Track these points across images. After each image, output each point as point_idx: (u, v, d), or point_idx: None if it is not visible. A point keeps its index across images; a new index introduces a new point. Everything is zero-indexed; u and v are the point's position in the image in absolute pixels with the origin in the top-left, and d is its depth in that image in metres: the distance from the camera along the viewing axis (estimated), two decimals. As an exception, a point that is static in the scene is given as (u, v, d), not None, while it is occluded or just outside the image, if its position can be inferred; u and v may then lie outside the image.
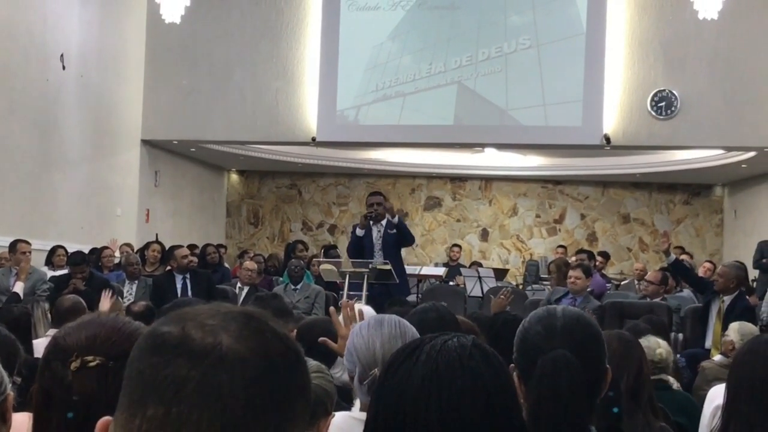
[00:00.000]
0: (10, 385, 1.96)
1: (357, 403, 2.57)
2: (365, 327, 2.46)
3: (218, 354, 0.91)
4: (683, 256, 11.91)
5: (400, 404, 1.37)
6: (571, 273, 8.46)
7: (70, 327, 1.59)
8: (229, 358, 0.91)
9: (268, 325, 0.97)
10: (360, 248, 8.31)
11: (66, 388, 1.49)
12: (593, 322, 2.03)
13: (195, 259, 10.24)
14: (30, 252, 9.00)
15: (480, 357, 1.41)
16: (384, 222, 8.40)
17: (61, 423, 1.49)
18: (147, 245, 10.78)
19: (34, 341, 4.67)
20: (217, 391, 0.89)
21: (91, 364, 1.50)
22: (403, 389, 1.38)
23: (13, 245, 8.93)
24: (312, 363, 2.83)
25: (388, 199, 9.62)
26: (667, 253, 8.45)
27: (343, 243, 13.61)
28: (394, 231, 8.33)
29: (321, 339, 3.14)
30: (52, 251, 10.01)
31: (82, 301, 5.18)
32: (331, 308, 3.40)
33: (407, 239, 8.61)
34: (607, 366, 1.98)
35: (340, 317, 3.21)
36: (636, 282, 11.23)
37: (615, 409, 1.91)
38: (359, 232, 8.38)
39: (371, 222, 8.34)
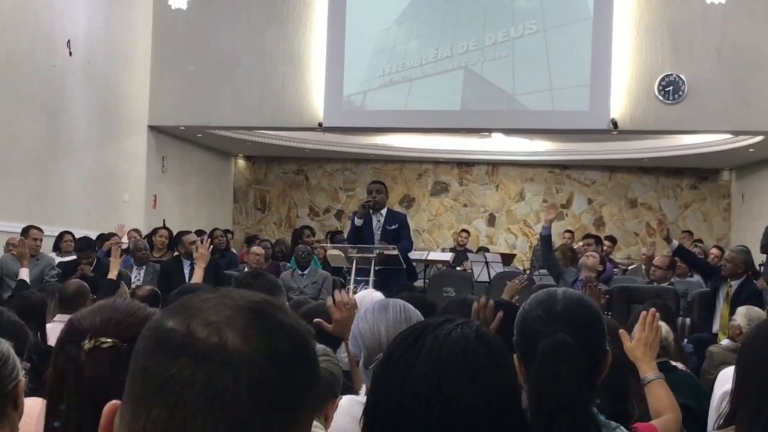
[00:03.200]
0: (23, 371, 1.98)
1: (365, 387, 2.59)
2: (370, 312, 2.46)
3: (223, 355, 0.89)
4: (694, 246, 11.86)
5: (401, 396, 1.38)
6: (588, 250, 8.51)
7: (85, 311, 1.63)
8: (235, 359, 0.89)
9: (276, 319, 0.94)
10: (359, 238, 8.15)
11: (79, 369, 1.52)
12: (594, 305, 2.03)
13: (202, 245, 10.24)
14: (41, 239, 9.02)
15: (483, 352, 1.42)
16: (384, 211, 8.29)
17: (73, 406, 1.51)
18: (155, 231, 10.78)
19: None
20: (222, 395, 0.88)
21: (105, 345, 1.52)
22: (405, 381, 1.39)
23: (26, 231, 8.95)
24: (318, 347, 2.84)
25: (389, 188, 9.54)
26: (668, 240, 8.38)
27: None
28: (394, 227, 8.20)
29: (316, 320, 3.16)
30: (60, 237, 10.04)
31: (86, 285, 5.27)
32: (328, 297, 3.41)
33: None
34: (608, 348, 1.98)
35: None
36: (643, 267, 11.22)
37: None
38: (358, 222, 8.20)
39: (370, 211, 8.22)
